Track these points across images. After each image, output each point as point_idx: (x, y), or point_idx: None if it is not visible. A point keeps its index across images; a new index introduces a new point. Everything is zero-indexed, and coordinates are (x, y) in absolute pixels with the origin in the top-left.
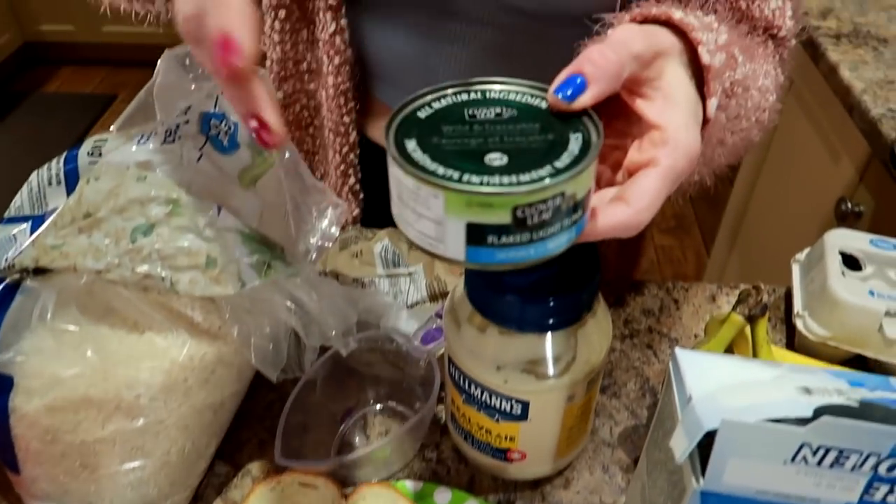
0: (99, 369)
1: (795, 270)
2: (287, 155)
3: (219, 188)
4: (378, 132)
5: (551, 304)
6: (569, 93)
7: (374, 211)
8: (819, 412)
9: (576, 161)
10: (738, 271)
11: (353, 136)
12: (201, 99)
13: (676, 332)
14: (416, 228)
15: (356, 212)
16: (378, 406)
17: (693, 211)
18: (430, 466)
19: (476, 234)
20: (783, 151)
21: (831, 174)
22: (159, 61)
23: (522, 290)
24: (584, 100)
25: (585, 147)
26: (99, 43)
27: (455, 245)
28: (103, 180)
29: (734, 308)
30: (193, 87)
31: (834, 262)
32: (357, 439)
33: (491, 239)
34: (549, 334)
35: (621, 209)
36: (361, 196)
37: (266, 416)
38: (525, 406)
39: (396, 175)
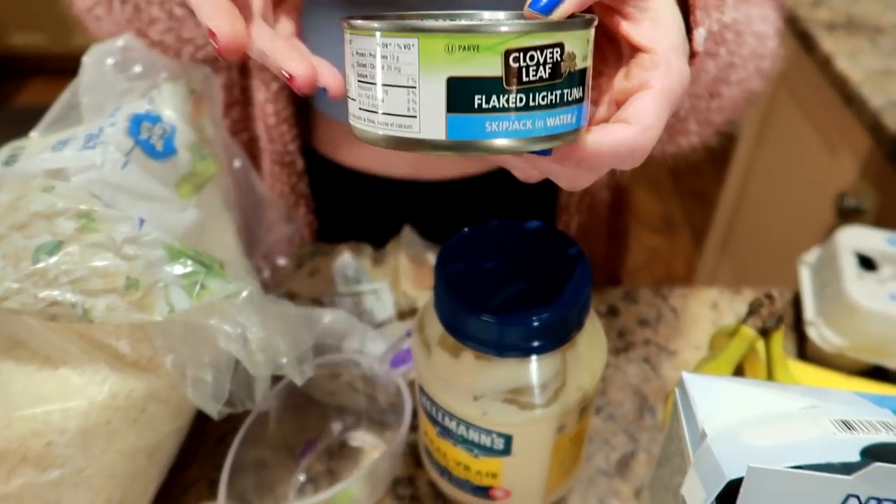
0: (0, 415)
1: (804, 273)
2: (237, 163)
3: (149, 198)
4: (329, 146)
5: (535, 323)
6: (543, 2)
7: (332, 226)
8: (867, 454)
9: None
10: (731, 272)
11: (301, 163)
12: (133, 99)
13: (676, 344)
14: (384, 112)
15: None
16: (344, 437)
17: (682, 209)
18: None
19: (459, 95)
20: (776, 145)
21: (829, 168)
22: (84, 57)
23: (501, 307)
24: (566, 7)
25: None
26: (70, 53)
27: (432, 117)
28: (3, 192)
29: (745, 319)
30: (126, 86)
31: (849, 264)
32: (320, 475)
33: (478, 100)
34: (533, 358)
35: (624, 128)
36: (316, 226)
37: (217, 452)
38: (508, 440)
39: (356, 44)
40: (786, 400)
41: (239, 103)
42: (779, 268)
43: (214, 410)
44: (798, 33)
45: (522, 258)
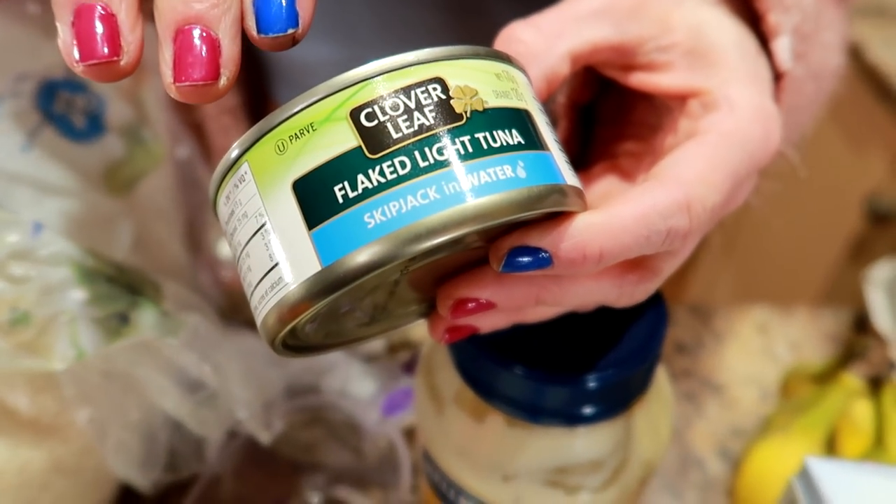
0: None
1: (875, 296)
2: (183, 152)
3: (62, 192)
4: None
5: (592, 384)
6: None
7: None
8: None
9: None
10: (736, 279)
11: None
12: (53, 62)
13: (723, 377)
14: (256, 283)
15: None
16: (322, 500)
17: None
18: None
19: (315, 197)
20: None
21: (854, 167)
22: None
23: (544, 357)
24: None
25: None
26: None
27: (295, 248)
28: None
29: (844, 363)
30: (45, 45)
31: None
32: None
33: (341, 191)
34: (587, 428)
35: (650, 189)
36: None
37: None
38: None
39: (222, 220)
40: None
41: None
42: (798, 276)
43: (146, 482)
44: None
45: None
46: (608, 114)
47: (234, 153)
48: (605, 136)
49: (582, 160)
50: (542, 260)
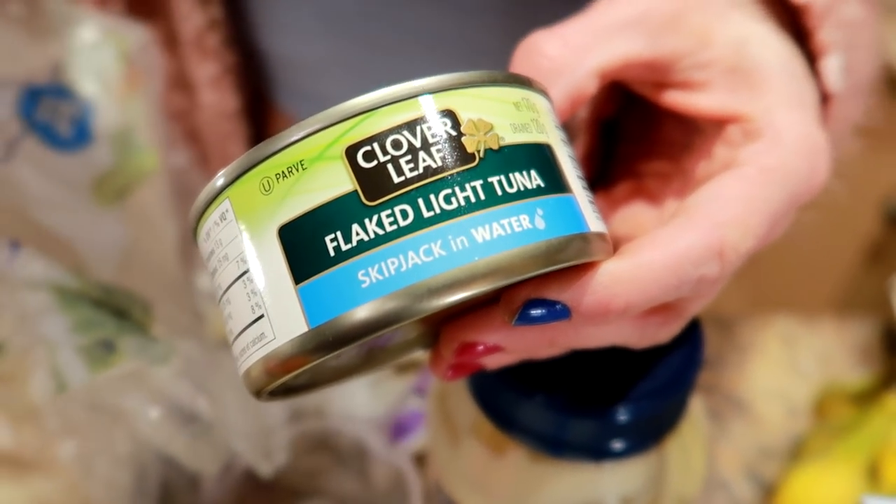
0: None
1: None
2: (178, 160)
3: (44, 207)
4: None
5: (622, 417)
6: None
7: None
8: None
9: None
10: (743, 283)
11: None
12: (36, 67)
13: (748, 392)
14: (238, 333)
15: None
16: None
17: None
18: None
19: (303, 248)
20: None
21: (871, 169)
22: None
23: (570, 387)
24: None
25: None
26: None
27: (280, 302)
28: None
29: (886, 383)
30: (30, 48)
31: None
32: None
33: (332, 242)
34: (616, 463)
35: (679, 232)
36: None
37: None
38: None
39: (200, 249)
40: None
41: (180, 86)
42: (813, 281)
43: None
44: None
45: None
46: (633, 130)
47: (218, 182)
48: (630, 153)
49: (603, 178)
50: (560, 312)
